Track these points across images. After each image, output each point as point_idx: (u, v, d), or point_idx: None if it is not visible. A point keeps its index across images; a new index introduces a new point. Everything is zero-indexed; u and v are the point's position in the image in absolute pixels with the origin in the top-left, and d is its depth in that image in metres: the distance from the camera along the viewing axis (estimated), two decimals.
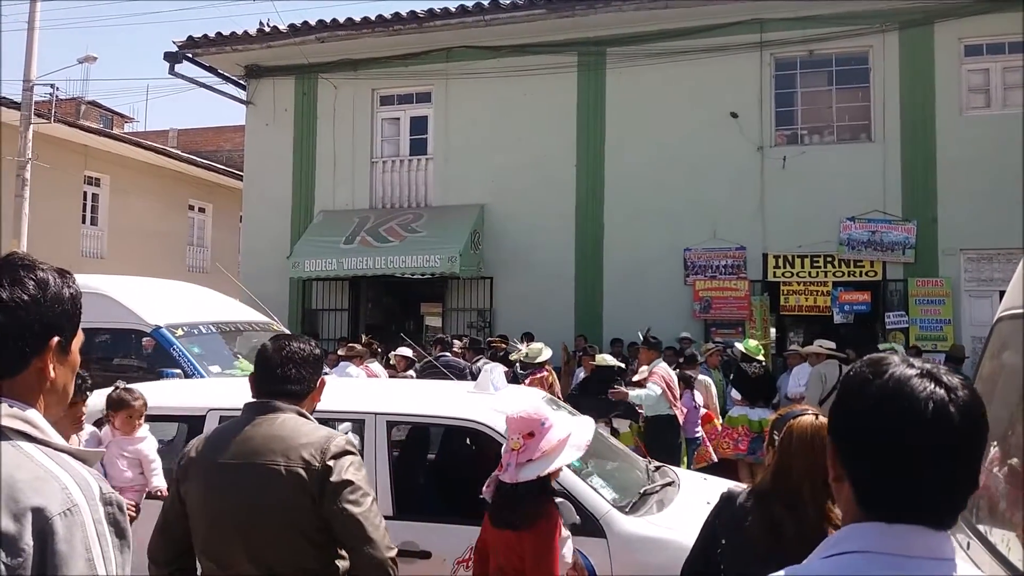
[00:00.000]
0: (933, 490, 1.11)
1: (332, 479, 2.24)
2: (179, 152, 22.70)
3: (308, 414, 2.43)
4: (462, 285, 13.32)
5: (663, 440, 7.25)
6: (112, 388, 3.92)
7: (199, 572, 2.46)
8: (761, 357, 9.09)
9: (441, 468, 5.10)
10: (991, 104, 11.48)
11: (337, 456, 2.28)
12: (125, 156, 19.53)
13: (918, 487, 1.11)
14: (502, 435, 3.87)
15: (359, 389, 5.19)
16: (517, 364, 9.18)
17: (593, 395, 7.37)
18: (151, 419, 4.13)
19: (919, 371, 1.15)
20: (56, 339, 1.31)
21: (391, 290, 14.95)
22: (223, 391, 4.69)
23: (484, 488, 3.11)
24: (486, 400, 4.20)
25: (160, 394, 4.51)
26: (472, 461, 4.98)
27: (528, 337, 10.54)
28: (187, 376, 6.88)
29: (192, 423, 4.00)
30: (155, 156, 20.24)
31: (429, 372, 8.67)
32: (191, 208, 22.66)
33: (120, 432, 3.78)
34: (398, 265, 12.46)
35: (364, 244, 12.85)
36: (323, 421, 2.97)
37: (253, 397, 2.46)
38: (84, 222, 19.28)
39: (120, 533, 1.24)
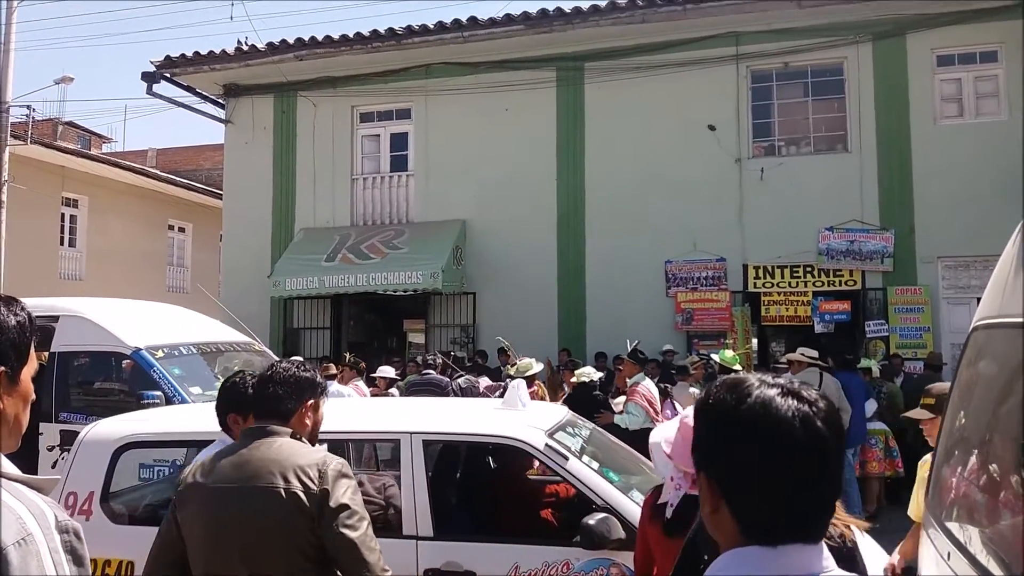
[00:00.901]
0: (811, 506, 1.12)
1: (331, 503, 2.33)
2: (158, 172, 22.57)
3: (301, 437, 2.50)
4: (445, 301, 13.29)
5: (646, 453, 7.25)
6: None
7: None
8: (739, 367, 9.10)
9: (477, 486, 5.05)
10: (964, 113, 11.63)
11: (335, 480, 2.36)
12: (103, 177, 19.39)
13: (798, 506, 1.11)
14: (540, 451, 3.88)
15: (392, 409, 5.16)
16: (508, 379, 9.12)
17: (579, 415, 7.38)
18: (160, 445, 4.09)
19: (780, 389, 1.14)
20: (1, 370, 1.29)
21: (373, 307, 14.90)
22: None
23: (666, 504, 3.09)
24: (520, 417, 4.18)
25: (170, 419, 4.60)
26: (508, 478, 4.97)
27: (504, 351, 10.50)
28: (168, 398, 6.80)
29: (202, 448, 3.99)
30: (134, 176, 20.10)
31: (414, 390, 8.65)
32: (171, 228, 22.53)
33: None
34: (380, 282, 12.42)
35: (345, 261, 12.80)
36: (356, 442, 2.95)
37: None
38: (62, 244, 19.12)
39: (78, 561, 1.24)
